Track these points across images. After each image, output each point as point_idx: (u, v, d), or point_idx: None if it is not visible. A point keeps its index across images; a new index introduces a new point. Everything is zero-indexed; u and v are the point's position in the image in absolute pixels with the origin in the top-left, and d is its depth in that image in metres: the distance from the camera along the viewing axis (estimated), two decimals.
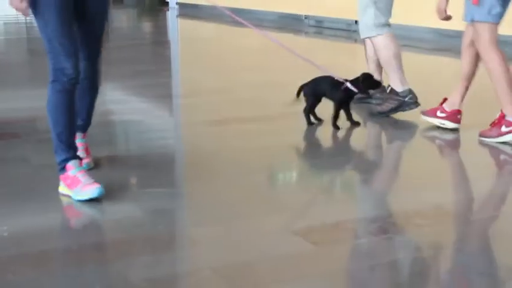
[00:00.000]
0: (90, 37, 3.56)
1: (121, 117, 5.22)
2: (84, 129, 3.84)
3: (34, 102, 5.28)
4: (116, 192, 3.43)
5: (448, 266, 2.78)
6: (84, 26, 3.49)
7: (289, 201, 3.45)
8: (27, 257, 2.77)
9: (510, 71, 4.29)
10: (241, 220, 3.16)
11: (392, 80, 5.07)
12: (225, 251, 2.84)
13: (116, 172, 3.83)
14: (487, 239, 3.02)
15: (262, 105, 5.55)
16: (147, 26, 14.66)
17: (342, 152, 4.55)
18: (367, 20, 5.08)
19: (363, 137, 4.80)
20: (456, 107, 4.65)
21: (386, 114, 5.05)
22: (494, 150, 4.35)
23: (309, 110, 4.83)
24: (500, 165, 4.24)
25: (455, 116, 4.66)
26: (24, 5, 3.22)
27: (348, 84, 4.68)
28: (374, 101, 5.14)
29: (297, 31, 11.24)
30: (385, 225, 3.12)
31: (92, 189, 3.32)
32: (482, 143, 4.40)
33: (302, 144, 4.63)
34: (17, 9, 3.26)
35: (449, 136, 4.65)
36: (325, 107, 4.86)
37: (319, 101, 4.86)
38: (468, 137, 4.59)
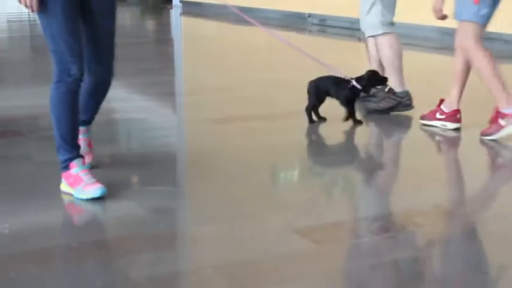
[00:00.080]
0: (99, 33, 3.45)
1: (124, 115, 5.23)
2: (89, 123, 3.79)
3: (37, 100, 5.30)
4: (118, 190, 3.43)
5: (449, 265, 2.77)
6: (91, 21, 3.41)
7: (291, 200, 3.45)
8: (29, 254, 2.78)
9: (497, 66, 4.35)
10: (243, 219, 3.16)
11: (392, 80, 5.07)
12: (227, 249, 2.84)
13: (118, 170, 3.83)
14: (489, 238, 3.01)
15: (265, 104, 5.55)
16: (150, 24, 14.67)
17: (344, 150, 4.55)
18: (373, 18, 5.07)
19: (365, 136, 4.80)
20: (455, 107, 4.65)
21: (382, 112, 5.05)
22: (494, 149, 4.34)
23: (311, 108, 4.82)
24: (501, 164, 4.23)
25: (454, 116, 4.65)
26: (34, 0, 3.18)
27: (354, 82, 4.68)
28: (374, 99, 5.13)
29: (300, 29, 11.24)
30: (387, 224, 3.12)
31: (94, 189, 3.32)
32: (483, 142, 4.39)
33: (305, 143, 4.63)
34: (26, 5, 3.21)
35: (450, 135, 4.64)
36: (328, 106, 4.86)
37: (323, 100, 4.84)
38: (469, 136, 4.58)
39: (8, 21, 13.24)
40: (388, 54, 5.07)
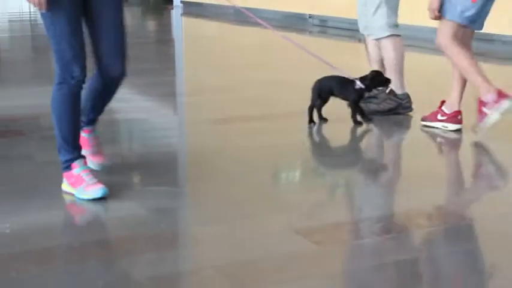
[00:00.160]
0: (105, 28, 3.35)
1: (125, 116, 5.23)
2: (94, 122, 3.75)
3: (38, 99, 5.30)
4: (119, 190, 3.43)
5: (450, 266, 2.77)
6: (96, 17, 3.33)
7: (292, 201, 3.45)
8: (31, 254, 2.78)
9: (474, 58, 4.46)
10: (244, 219, 3.16)
11: (393, 82, 5.06)
12: (228, 249, 2.84)
13: (119, 170, 3.83)
14: (490, 238, 3.01)
15: (266, 104, 5.55)
16: (151, 24, 14.67)
17: (346, 151, 4.55)
18: (379, 20, 5.07)
19: (366, 136, 4.80)
20: (456, 108, 4.65)
21: (383, 113, 5.05)
22: (497, 150, 4.34)
23: (313, 108, 4.81)
24: (503, 165, 4.23)
25: (455, 117, 4.65)
26: None
27: (358, 83, 4.67)
28: (375, 100, 5.13)
29: (301, 30, 11.24)
30: (388, 225, 3.12)
31: (95, 190, 3.32)
32: (485, 143, 4.39)
33: (306, 143, 4.63)
34: (34, 4, 3.14)
35: (452, 136, 4.64)
36: (328, 107, 4.85)
37: (327, 100, 4.83)
38: (470, 137, 4.58)
39: (9, 21, 13.25)
40: (392, 56, 5.08)
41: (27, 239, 2.92)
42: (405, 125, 4.96)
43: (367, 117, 4.77)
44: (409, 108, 5.11)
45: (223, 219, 3.14)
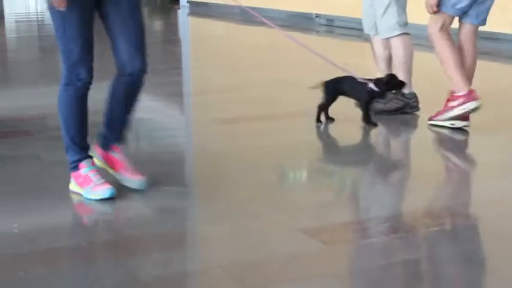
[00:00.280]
0: (124, 23, 3.27)
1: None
2: (123, 138, 3.54)
3: (46, 99, 5.30)
4: (126, 190, 3.43)
5: (458, 266, 2.77)
6: (112, 14, 3.26)
7: (299, 200, 3.45)
8: (39, 254, 2.78)
9: (460, 54, 4.60)
10: (251, 219, 3.16)
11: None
12: (236, 249, 2.85)
13: None
14: (498, 239, 3.00)
15: (272, 104, 5.55)
16: (158, 24, 14.68)
17: (353, 151, 4.55)
18: (390, 20, 5.07)
19: (373, 136, 4.79)
20: None
21: (390, 113, 5.04)
22: (504, 150, 4.33)
23: (323, 108, 4.81)
24: (510, 164, 4.22)
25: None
26: None
27: (371, 85, 4.67)
28: (381, 100, 5.12)
29: (307, 30, 11.22)
30: (396, 225, 3.11)
31: (103, 190, 3.32)
32: (493, 142, 4.38)
33: (312, 143, 4.62)
34: (53, 2, 3.08)
35: (459, 135, 4.63)
36: (336, 107, 4.85)
37: (334, 99, 4.83)
38: (477, 136, 4.57)
39: (16, 22, 13.27)
40: (401, 55, 5.07)
41: (35, 239, 2.93)
42: (412, 125, 4.95)
43: (373, 122, 4.76)
44: (416, 108, 5.10)
45: (230, 219, 3.15)
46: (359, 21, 5.49)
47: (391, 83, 4.73)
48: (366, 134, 4.75)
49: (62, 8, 3.09)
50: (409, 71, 5.11)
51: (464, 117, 4.65)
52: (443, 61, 4.62)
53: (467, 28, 4.61)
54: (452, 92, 4.62)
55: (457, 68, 4.56)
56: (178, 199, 3.43)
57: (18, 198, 3.41)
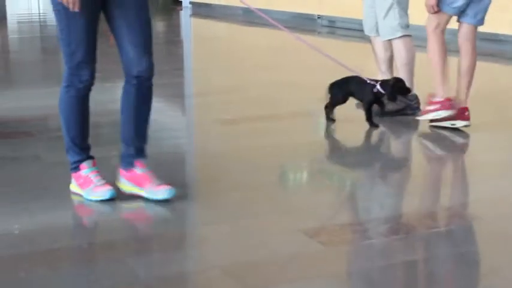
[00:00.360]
0: (130, 22, 3.21)
1: None
2: (143, 152, 3.42)
3: (47, 100, 5.31)
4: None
5: (459, 267, 2.77)
6: (118, 14, 3.21)
7: (299, 201, 3.45)
8: (39, 254, 2.79)
9: (446, 58, 4.71)
10: (251, 219, 3.16)
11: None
12: (235, 250, 2.85)
13: None
14: (500, 239, 3.00)
15: (273, 104, 5.55)
16: (160, 25, 14.69)
17: (353, 152, 4.55)
18: (392, 21, 5.07)
19: (374, 137, 4.79)
20: (462, 105, 4.66)
21: (391, 114, 5.04)
22: (504, 150, 4.33)
23: (331, 107, 4.83)
24: (510, 165, 4.22)
25: (463, 113, 4.66)
26: None
27: (378, 87, 4.67)
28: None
29: (309, 31, 11.23)
30: (396, 226, 3.11)
31: (103, 191, 3.33)
32: (493, 143, 4.38)
33: (312, 144, 4.62)
34: (67, 2, 3.03)
35: (460, 136, 4.63)
36: (337, 108, 4.85)
37: (345, 100, 4.83)
38: (478, 137, 4.58)
39: (19, 22, 13.28)
40: (404, 56, 5.08)
41: (36, 239, 2.93)
42: (413, 126, 4.95)
43: (374, 123, 4.76)
44: (417, 110, 5.10)
45: (230, 220, 3.15)
46: (361, 22, 5.49)
47: (396, 87, 4.73)
48: (367, 135, 4.75)
49: (76, 9, 3.05)
50: (411, 73, 5.11)
51: (465, 116, 4.66)
52: (431, 61, 4.71)
53: (466, 28, 4.63)
54: (431, 95, 4.71)
55: (440, 73, 4.66)
56: (178, 199, 3.43)
57: (19, 199, 3.41)
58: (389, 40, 5.16)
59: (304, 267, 2.68)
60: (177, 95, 6.22)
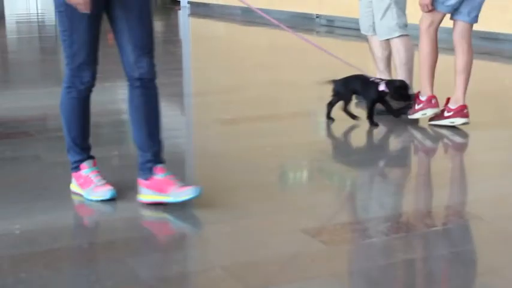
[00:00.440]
0: (131, 23, 3.17)
1: None
2: (161, 156, 3.33)
3: (46, 100, 5.32)
4: (127, 191, 3.43)
5: (459, 266, 2.77)
6: (119, 15, 3.17)
7: (300, 201, 3.45)
8: (40, 255, 2.79)
9: (436, 56, 4.78)
10: (252, 219, 3.16)
11: None
12: (236, 249, 2.85)
13: (127, 170, 3.83)
14: (500, 238, 3.01)
15: (273, 104, 5.55)
16: (158, 25, 14.68)
17: (354, 151, 4.55)
18: (390, 21, 5.07)
19: (373, 136, 4.79)
20: (461, 103, 4.67)
21: (390, 114, 5.04)
22: (504, 149, 4.33)
23: (332, 106, 4.84)
24: (511, 164, 4.22)
25: (462, 111, 4.67)
26: None
27: (383, 86, 4.67)
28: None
29: (308, 30, 11.23)
30: (397, 225, 3.11)
31: (103, 191, 3.33)
32: (494, 142, 4.38)
33: (312, 144, 4.62)
34: (78, 3, 2.99)
35: (460, 135, 4.64)
36: (336, 106, 4.85)
37: (350, 98, 4.84)
38: (477, 136, 4.58)
39: (17, 22, 13.27)
40: (403, 56, 5.09)
41: (36, 239, 2.93)
42: (412, 125, 4.95)
43: (374, 122, 4.77)
44: None
45: (230, 219, 3.15)
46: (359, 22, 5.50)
47: (398, 91, 4.73)
48: (367, 134, 4.75)
49: (87, 11, 3.02)
50: (410, 72, 5.12)
51: (463, 114, 4.67)
52: (420, 64, 4.78)
53: (461, 26, 4.64)
54: (418, 94, 4.82)
55: (428, 72, 4.74)
56: None
57: (19, 199, 3.41)
58: (387, 39, 5.17)
59: (305, 266, 2.68)
60: (176, 95, 6.22)
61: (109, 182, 3.39)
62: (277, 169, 3.99)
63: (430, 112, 4.79)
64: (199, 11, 15.13)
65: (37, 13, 14.71)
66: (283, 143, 4.41)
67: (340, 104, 4.85)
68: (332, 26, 11.57)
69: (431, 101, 4.77)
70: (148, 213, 3.23)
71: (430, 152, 4.46)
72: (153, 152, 3.31)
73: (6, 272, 2.66)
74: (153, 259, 2.77)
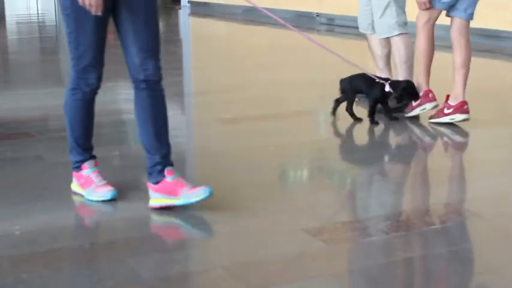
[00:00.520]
0: (136, 25, 3.14)
1: (133, 116, 5.21)
2: (169, 158, 3.28)
3: (46, 101, 5.32)
4: (127, 191, 3.44)
5: (459, 265, 2.77)
6: (125, 17, 3.14)
7: (300, 200, 3.45)
8: (41, 255, 2.79)
9: (433, 53, 4.88)
10: (253, 219, 3.16)
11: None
12: (237, 249, 2.85)
13: (128, 170, 3.84)
14: (500, 237, 3.01)
15: (273, 103, 5.55)
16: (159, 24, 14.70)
17: (354, 150, 4.55)
18: (389, 20, 5.08)
19: (373, 135, 4.80)
20: (461, 99, 4.67)
21: (385, 115, 5.04)
22: (505, 147, 4.33)
23: (338, 104, 4.85)
24: (511, 162, 4.23)
25: (462, 107, 4.68)
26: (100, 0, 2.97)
27: (387, 86, 4.68)
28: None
29: (308, 29, 11.22)
30: (397, 223, 3.11)
31: (104, 192, 3.33)
32: (494, 140, 4.38)
33: (313, 143, 4.62)
34: (89, 5, 2.97)
35: (460, 133, 4.64)
36: (343, 106, 4.86)
37: (354, 96, 4.85)
38: (478, 134, 4.58)
39: (18, 23, 13.27)
40: (403, 54, 5.09)
41: (37, 240, 2.93)
42: (413, 123, 4.95)
43: (375, 121, 4.77)
44: None
45: (231, 219, 3.15)
46: None
47: (406, 91, 4.74)
48: (367, 132, 4.75)
49: (99, 13, 3.00)
50: (410, 70, 5.12)
51: (464, 110, 4.67)
52: (418, 56, 4.86)
53: (458, 23, 4.66)
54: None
55: (424, 69, 4.84)
56: None
57: (20, 199, 3.41)
58: (386, 38, 5.17)
59: (306, 265, 2.68)
60: (177, 94, 6.21)
61: (110, 182, 3.39)
62: (278, 168, 3.99)
63: (428, 106, 4.83)
64: (200, 10, 15.13)
65: (37, 13, 14.71)
66: (285, 143, 4.41)
67: (346, 103, 4.87)
68: (332, 25, 11.57)
69: (429, 95, 4.83)
70: (149, 214, 3.23)
71: (430, 150, 4.46)
72: (162, 154, 3.26)
73: (7, 272, 2.66)
74: (154, 259, 2.77)
